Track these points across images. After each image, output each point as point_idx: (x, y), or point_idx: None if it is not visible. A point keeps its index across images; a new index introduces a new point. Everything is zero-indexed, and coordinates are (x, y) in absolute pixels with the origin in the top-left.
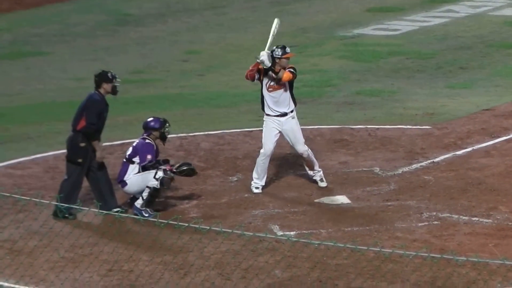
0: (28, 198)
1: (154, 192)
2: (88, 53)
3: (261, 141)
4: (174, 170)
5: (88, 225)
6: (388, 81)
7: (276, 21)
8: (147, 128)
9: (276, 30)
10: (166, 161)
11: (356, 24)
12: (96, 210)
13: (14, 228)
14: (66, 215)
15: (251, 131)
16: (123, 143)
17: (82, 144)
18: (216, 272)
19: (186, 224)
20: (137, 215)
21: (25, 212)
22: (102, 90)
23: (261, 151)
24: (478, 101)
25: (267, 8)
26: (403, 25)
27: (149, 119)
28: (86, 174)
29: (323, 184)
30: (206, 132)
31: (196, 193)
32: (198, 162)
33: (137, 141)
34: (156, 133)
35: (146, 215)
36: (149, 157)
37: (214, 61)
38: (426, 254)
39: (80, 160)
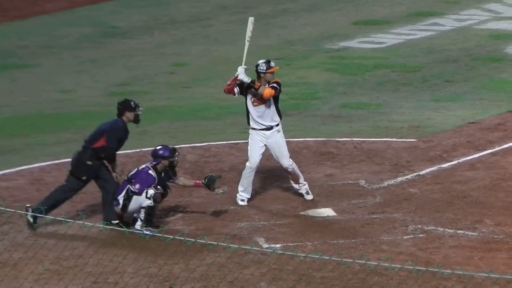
0: (13, 210)
1: (150, 210)
2: (74, 65)
3: (247, 154)
4: (204, 183)
5: (73, 237)
6: (374, 94)
7: (250, 20)
8: (156, 156)
9: (250, 33)
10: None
11: (342, 37)
12: (81, 222)
13: None
14: (31, 221)
15: (237, 143)
16: None
17: (89, 162)
18: (201, 285)
19: (171, 237)
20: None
21: (10, 224)
22: (124, 118)
23: (247, 164)
24: (464, 114)
25: (254, 21)
26: (388, 38)
27: (158, 147)
28: (98, 184)
29: (309, 197)
30: (192, 144)
31: (182, 205)
32: (183, 174)
33: (144, 166)
34: (165, 162)
35: (148, 232)
36: (137, 186)
37: (200, 74)
38: (412, 267)
39: (84, 178)
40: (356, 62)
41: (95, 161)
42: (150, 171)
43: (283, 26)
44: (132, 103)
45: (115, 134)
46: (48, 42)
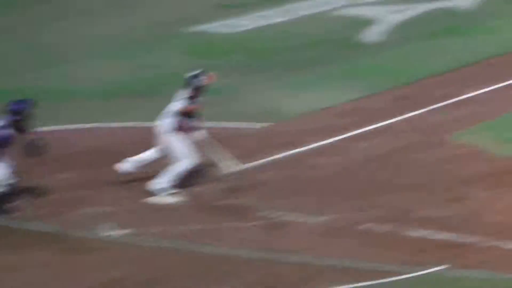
0: None
1: None
2: None
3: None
4: None
5: None
6: (229, 78)
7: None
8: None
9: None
10: None
11: (201, 20)
12: None
13: None
14: None
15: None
16: None
17: None
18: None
19: None
20: None
21: None
22: None
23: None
24: (318, 99)
25: None
26: (248, 22)
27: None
28: None
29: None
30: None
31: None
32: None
33: None
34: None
35: None
36: None
37: None
38: (257, 254)
39: None
40: (215, 45)
41: None
42: None
43: (143, 7)
44: None
45: None
46: None
